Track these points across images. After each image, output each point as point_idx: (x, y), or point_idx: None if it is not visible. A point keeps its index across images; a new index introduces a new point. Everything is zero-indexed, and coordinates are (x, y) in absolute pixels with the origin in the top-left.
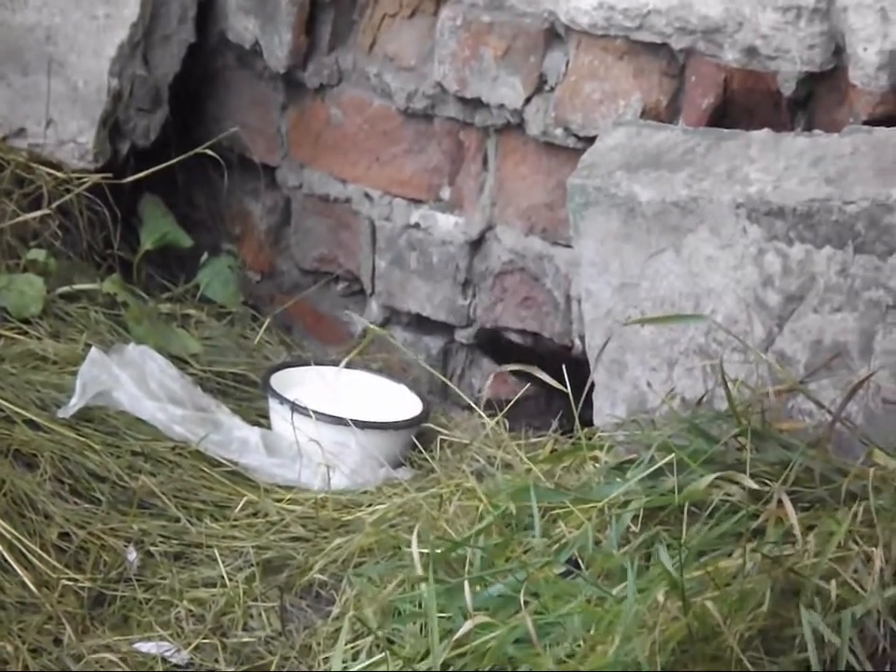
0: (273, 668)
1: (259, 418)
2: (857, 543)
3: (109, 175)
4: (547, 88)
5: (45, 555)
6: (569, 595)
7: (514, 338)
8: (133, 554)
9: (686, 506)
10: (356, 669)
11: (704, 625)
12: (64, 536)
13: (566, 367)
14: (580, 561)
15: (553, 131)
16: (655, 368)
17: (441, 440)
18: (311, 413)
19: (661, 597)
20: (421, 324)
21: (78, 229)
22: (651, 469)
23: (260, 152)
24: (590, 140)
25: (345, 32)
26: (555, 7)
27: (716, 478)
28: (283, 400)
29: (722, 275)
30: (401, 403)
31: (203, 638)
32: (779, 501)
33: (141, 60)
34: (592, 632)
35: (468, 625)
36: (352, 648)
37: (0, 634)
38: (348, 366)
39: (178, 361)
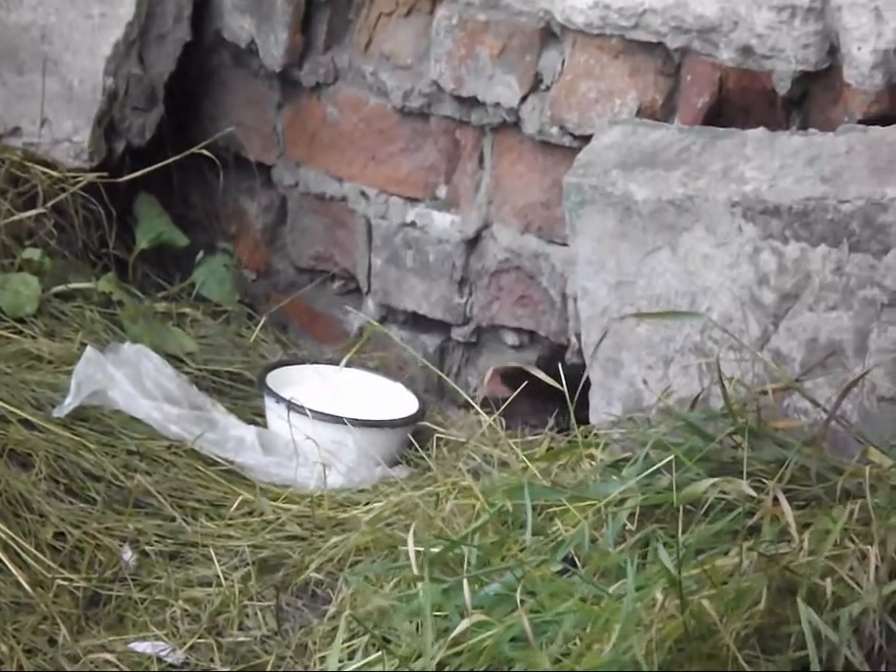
0: (268, 668)
1: (255, 417)
2: (853, 541)
3: (104, 173)
4: (543, 87)
5: (40, 555)
6: (566, 594)
7: (510, 337)
8: (128, 554)
9: (676, 500)
10: (352, 668)
11: (700, 624)
12: (59, 535)
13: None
14: (576, 559)
15: (549, 129)
16: (651, 366)
17: (438, 438)
18: (307, 411)
19: (659, 595)
20: (417, 322)
21: (74, 228)
22: (650, 470)
23: (256, 151)
24: (586, 139)
25: (341, 30)
26: (551, 6)
27: (713, 481)
28: (279, 399)
29: (718, 274)
30: (398, 402)
31: (199, 638)
32: (775, 499)
33: (136, 59)
34: (588, 630)
35: (464, 624)
36: (348, 647)
37: None
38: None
39: (174, 360)
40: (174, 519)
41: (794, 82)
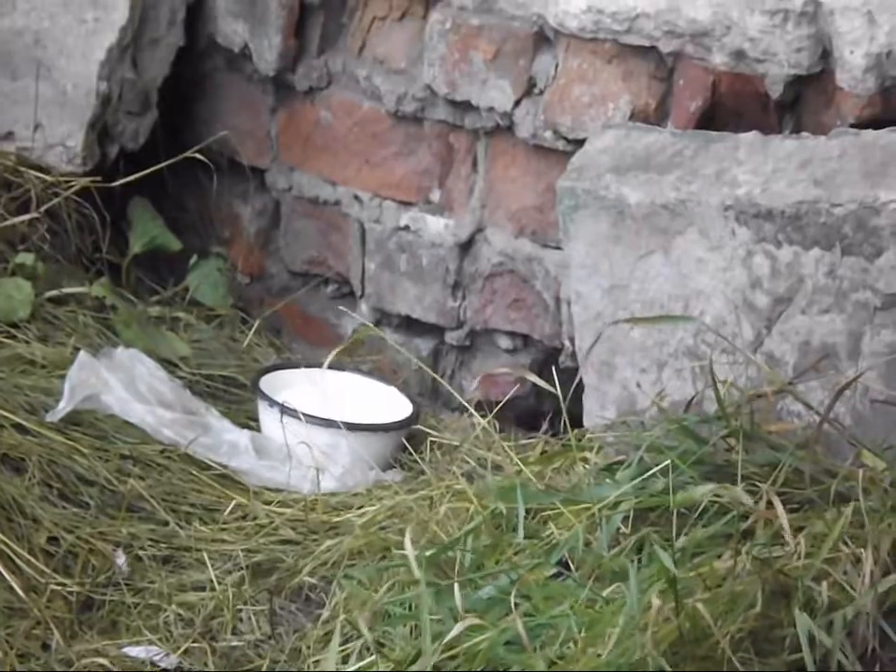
0: None
1: (249, 421)
2: (846, 544)
3: (98, 178)
4: (536, 91)
5: (33, 560)
6: (560, 597)
7: (504, 340)
8: (121, 558)
9: (671, 505)
10: None
11: (695, 626)
12: (53, 540)
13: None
14: (570, 563)
15: (543, 133)
16: (645, 369)
17: (432, 441)
18: (301, 415)
19: (656, 599)
20: (411, 326)
21: (67, 232)
22: (646, 475)
23: (250, 155)
24: (579, 143)
25: (335, 34)
26: (544, 10)
27: (710, 487)
28: (272, 403)
29: (711, 277)
30: (391, 405)
31: (193, 642)
32: (769, 503)
33: (130, 63)
34: (583, 634)
35: (458, 628)
36: (342, 651)
37: None
38: (339, 368)
39: (167, 364)
40: (167, 523)
41: (787, 86)
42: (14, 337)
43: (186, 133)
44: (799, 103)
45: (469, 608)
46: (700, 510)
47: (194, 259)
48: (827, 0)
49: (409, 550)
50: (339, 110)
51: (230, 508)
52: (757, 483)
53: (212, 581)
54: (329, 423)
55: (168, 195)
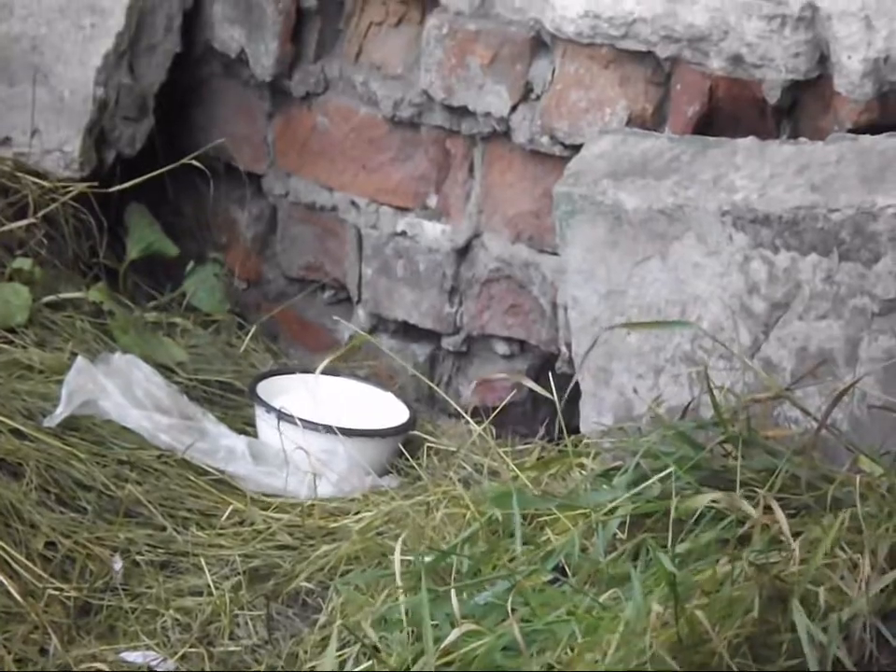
0: None
1: (246, 426)
2: (844, 550)
3: (95, 184)
4: (533, 96)
5: (30, 565)
6: (557, 603)
7: (500, 346)
8: (118, 563)
9: (672, 513)
10: None
11: (693, 632)
12: (50, 545)
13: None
14: (566, 568)
15: (540, 139)
16: (641, 375)
17: (428, 447)
18: (297, 420)
19: (656, 604)
20: (408, 332)
21: (64, 238)
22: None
23: (247, 161)
24: (576, 148)
25: (331, 40)
26: (541, 15)
27: (711, 496)
28: (269, 408)
29: (708, 283)
30: (388, 411)
31: (190, 647)
32: (766, 508)
33: (127, 69)
34: (580, 639)
35: (455, 633)
36: (339, 656)
37: None
38: (335, 373)
39: (164, 370)
40: (164, 528)
41: (784, 91)
42: (11, 342)
43: (183, 139)
44: (796, 108)
45: (466, 613)
46: (697, 515)
47: (191, 264)
48: (824, 5)
49: (397, 559)
50: (335, 116)
51: (227, 513)
52: (754, 489)
53: (209, 586)
54: (325, 429)
55: (165, 201)
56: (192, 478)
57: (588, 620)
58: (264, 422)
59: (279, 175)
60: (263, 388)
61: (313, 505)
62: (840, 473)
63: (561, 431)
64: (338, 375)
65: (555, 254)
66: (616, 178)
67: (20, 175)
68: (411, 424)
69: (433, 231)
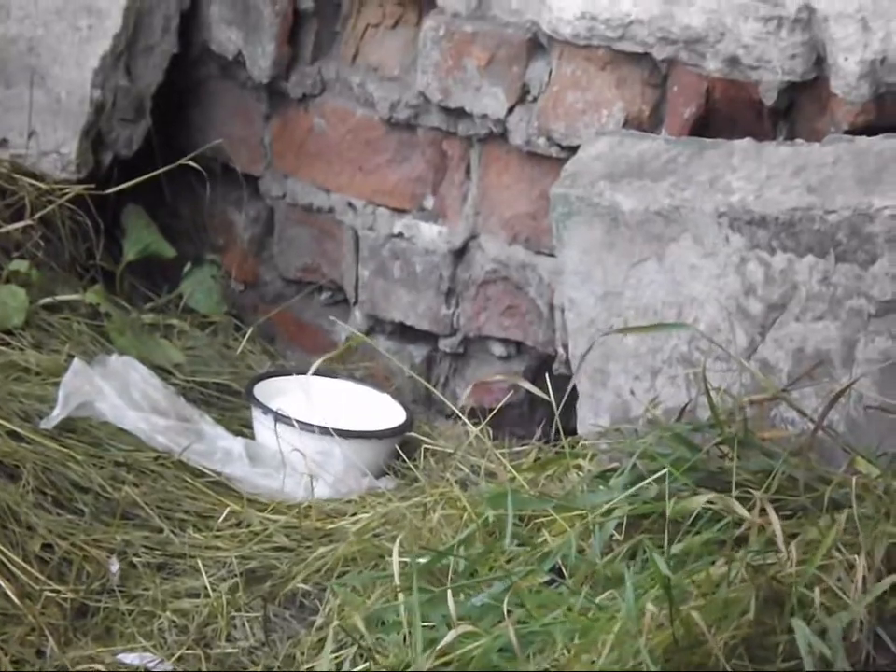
0: None
1: (243, 428)
2: (840, 551)
3: (92, 185)
4: (530, 98)
5: (27, 567)
6: (554, 604)
7: (497, 347)
8: (115, 565)
9: (669, 514)
10: None
11: (689, 633)
12: (47, 547)
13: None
14: (563, 570)
15: (536, 140)
16: (638, 376)
17: (425, 449)
18: (294, 422)
19: (651, 606)
20: (404, 333)
21: (61, 240)
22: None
23: (244, 162)
24: (573, 150)
25: (328, 42)
26: (538, 17)
27: (708, 497)
28: (266, 410)
29: (705, 284)
30: (385, 412)
31: (187, 649)
32: (762, 510)
33: (124, 70)
34: (576, 641)
35: (451, 635)
36: (335, 657)
37: None
38: (332, 375)
39: (161, 371)
40: (161, 530)
41: (781, 93)
42: (8, 344)
43: (180, 141)
44: (793, 109)
45: (462, 615)
46: (693, 517)
47: (188, 266)
48: (821, 7)
49: (395, 560)
50: (332, 117)
51: (224, 515)
52: (751, 490)
53: (206, 587)
54: (322, 430)
55: (162, 202)
56: (189, 480)
57: (584, 621)
58: (261, 423)
59: (276, 176)
60: (260, 390)
61: (309, 506)
62: (837, 475)
63: (558, 433)
64: (335, 377)
65: (552, 255)
66: (613, 180)
67: (16, 176)
68: (407, 425)
69: (430, 233)
